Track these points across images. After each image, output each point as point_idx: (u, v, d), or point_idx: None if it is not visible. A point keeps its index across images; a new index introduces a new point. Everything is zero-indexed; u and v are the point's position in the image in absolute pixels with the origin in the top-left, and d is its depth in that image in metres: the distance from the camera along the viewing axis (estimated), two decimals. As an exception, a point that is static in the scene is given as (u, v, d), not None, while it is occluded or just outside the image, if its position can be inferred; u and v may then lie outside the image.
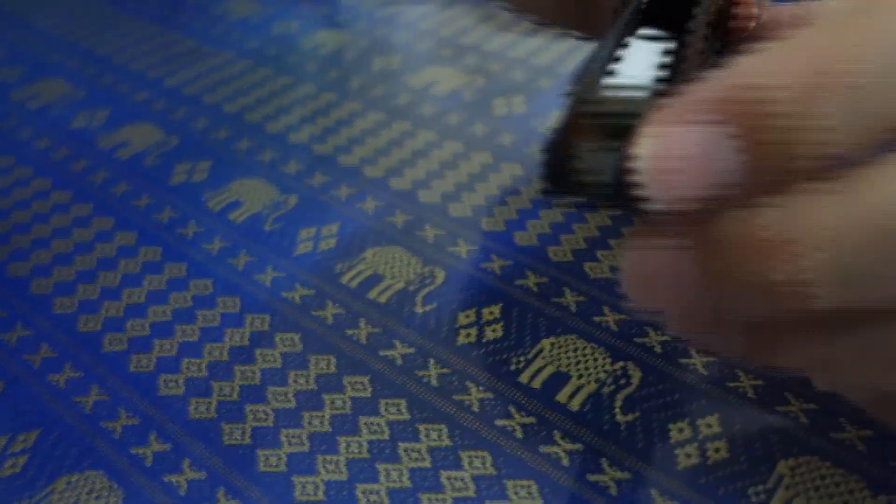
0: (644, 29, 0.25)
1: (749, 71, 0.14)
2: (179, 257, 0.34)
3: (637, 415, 0.27)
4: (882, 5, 0.14)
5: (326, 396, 0.28)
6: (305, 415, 0.28)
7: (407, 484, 0.25)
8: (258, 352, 0.30)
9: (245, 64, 0.48)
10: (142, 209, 0.37)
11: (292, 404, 0.28)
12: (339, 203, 0.36)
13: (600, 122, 0.16)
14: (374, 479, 0.25)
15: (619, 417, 0.27)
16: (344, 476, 0.26)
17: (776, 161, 0.14)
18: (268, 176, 0.38)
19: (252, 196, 0.37)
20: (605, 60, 0.18)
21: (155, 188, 0.38)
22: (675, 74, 0.20)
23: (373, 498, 0.25)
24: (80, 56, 0.51)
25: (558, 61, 0.45)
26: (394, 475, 0.26)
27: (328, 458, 0.26)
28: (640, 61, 0.22)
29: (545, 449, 0.26)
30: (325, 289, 0.32)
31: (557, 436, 0.26)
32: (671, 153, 0.14)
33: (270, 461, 0.26)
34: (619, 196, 0.16)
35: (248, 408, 0.28)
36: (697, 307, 0.16)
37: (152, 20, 0.54)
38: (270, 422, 0.27)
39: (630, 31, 0.23)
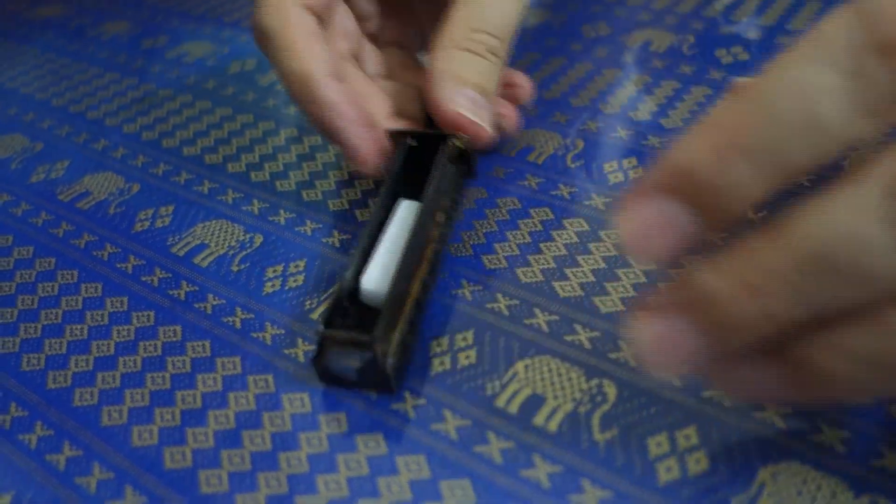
0: (398, 209, 0.33)
1: (675, 153, 0.19)
2: (146, 305, 0.34)
3: (615, 432, 0.26)
4: (763, 82, 0.18)
5: (302, 436, 0.28)
6: (282, 456, 0.27)
7: (389, 519, 0.25)
8: (231, 395, 0.29)
9: (203, 105, 0.48)
10: (106, 259, 0.37)
11: (268, 447, 0.28)
12: (304, 238, 0.36)
13: (339, 344, 0.28)
14: (356, 516, 0.25)
15: (597, 436, 0.26)
16: (324, 516, 0.25)
17: (713, 213, 0.19)
18: (231, 217, 0.38)
19: (217, 238, 0.37)
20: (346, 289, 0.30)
21: (118, 237, 0.38)
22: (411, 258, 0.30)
23: (355, 536, 0.25)
24: (36, 108, 0.50)
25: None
26: (375, 511, 0.25)
27: (306, 498, 0.26)
28: (377, 279, 0.30)
29: (525, 473, 0.26)
30: (295, 327, 0.32)
31: (537, 459, 0.26)
32: (637, 223, 0.20)
33: (249, 506, 0.26)
34: (367, 383, 0.28)
35: (224, 453, 0.28)
36: (707, 356, 0.20)
37: (108, 68, 0.54)
38: (248, 466, 0.27)
39: (386, 209, 0.33)
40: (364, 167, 0.34)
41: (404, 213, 0.33)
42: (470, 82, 0.34)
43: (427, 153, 0.34)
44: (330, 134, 0.34)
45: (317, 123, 0.34)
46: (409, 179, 0.34)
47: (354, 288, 0.30)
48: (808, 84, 0.17)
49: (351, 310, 0.30)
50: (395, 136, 0.35)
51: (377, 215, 0.32)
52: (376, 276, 0.30)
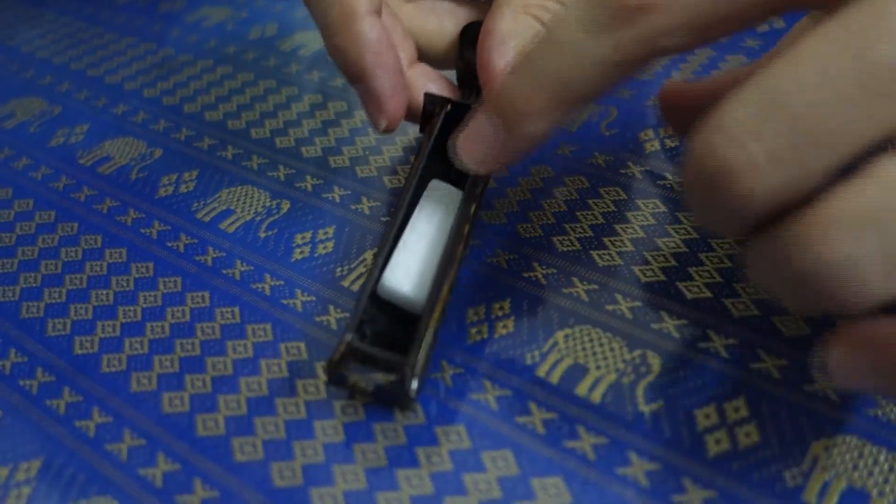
0: (432, 188, 0.30)
1: (498, 91, 0.24)
2: (173, 271, 0.33)
3: (661, 403, 0.26)
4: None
5: (337, 404, 0.27)
6: (317, 424, 0.27)
7: (429, 490, 0.24)
8: (262, 362, 0.29)
9: (224, 70, 0.47)
10: (129, 224, 0.36)
11: (303, 415, 0.27)
12: (332, 205, 0.35)
13: (364, 359, 0.26)
14: (395, 486, 0.25)
15: (642, 407, 0.26)
16: (363, 485, 0.25)
17: (515, 126, 0.24)
18: (257, 182, 0.37)
19: (243, 204, 0.36)
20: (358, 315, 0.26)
21: (141, 202, 0.37)
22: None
23: (395, 506, 0.24)
24: (54, 72, 0.49)
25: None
26: (415, 481, 0.25)
27: (345, 467, 0.25)
28: (404, 279, 0.27)
29: (569, 444, 0.25)
30: (326, 294, 0.31)
31: (581, 430, 0.25)
32: (470, 135, 0.25)
33: (285, 474, 0.25)
34: (379, 398, 0.27)
35: (258, 420, 0.27)
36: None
37: (126, 32, 0.53)
38: (282, 434, 0.26)
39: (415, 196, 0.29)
40: (387, 118, 0.30)
41: (434, 198, 0.29)
42: None
43: (455, 122, 0.30)
44: (358, 76, 0.30)
45: (346, 62, 0.30)
46: (432, 152, 0.31)
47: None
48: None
49: (374, 312, 0.27)
50: (433, 101, 0.31)
51: (410, 197, 0.29)
52: (403, 276, 0.27)
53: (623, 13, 0.20)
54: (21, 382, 0.29)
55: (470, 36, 0.32)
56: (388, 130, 0.31)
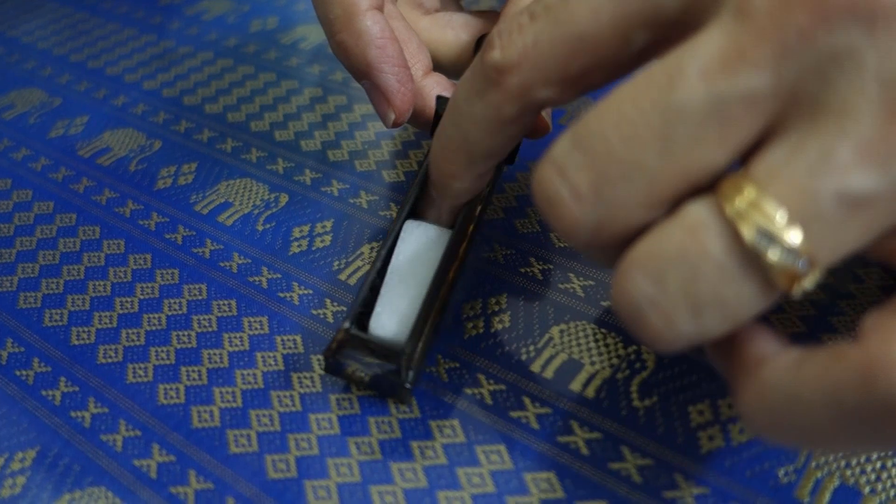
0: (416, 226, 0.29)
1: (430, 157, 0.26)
2: (171, 263, 0.33)
3: (655, 399, 0.26)
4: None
5: (332, 397, 0.27)
6: (312, 417, 0.27)
7: (423, 483, 0.24)
8: (258, 355, 0.29)
9: (225, 63, 0.47)
10: (128, 216, 0.36)
11: (298, 407, 0.27)
12: (331, 199, 0.35)
13: (363, 348, 0.26)
14: (389, 479, 0.25)
15: (636, 403, 0.26)
16: (357, 478, 0.25)
17: (443, 187, 0.26)
18: (256, 175, 0.37)
19: (241, 196, 0.36)
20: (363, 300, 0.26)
21: (140, 194, 0.37)
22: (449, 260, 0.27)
23: (388, 499, 0.24)
24: (54, 63, 0.49)
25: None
26: (409, 475, 0.25)
27: (339, 460, 0.25)
28: (395, 304, 0.27)
29: (563, 439, 0.25)
30: (323, 287, 0.31)
31: (575, 425, 0.25)
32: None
33: (279, 467, 0.25)
34: (376, 388, 0.26)
35: (253, 413, 0.27)
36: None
37: (126, 23, 0.53)
38: (277, 427, 0.26)
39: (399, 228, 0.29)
40: (396, 112, 0.30)
41: (418, 235, 0.29)
42: None
43: None
44: (363, 72, 0.30)
45: (350, 58, 0.30)
46: None
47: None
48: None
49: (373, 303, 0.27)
50: (442, 104, 0.30)
51: (414, 199, 0.29)
52: (389, 321, 0.27)
53: (492, 76, 0.21)
54: (17, 372, 0.29)
55: None
56: (397, 124, 0.31)
